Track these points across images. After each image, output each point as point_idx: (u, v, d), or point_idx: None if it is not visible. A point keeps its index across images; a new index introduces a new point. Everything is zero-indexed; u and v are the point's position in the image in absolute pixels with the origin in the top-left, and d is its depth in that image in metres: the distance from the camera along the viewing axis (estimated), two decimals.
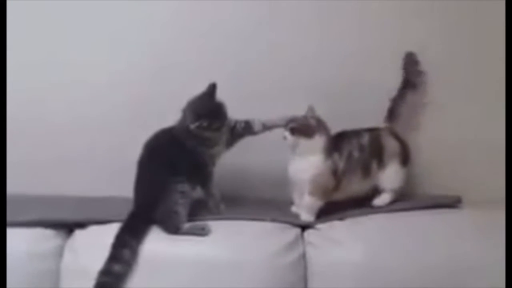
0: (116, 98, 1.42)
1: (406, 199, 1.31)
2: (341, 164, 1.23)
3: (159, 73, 1.42)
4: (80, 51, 1.41)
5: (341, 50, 1.40)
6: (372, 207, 1.28)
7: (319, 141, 1.23)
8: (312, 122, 1.23)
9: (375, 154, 1.27)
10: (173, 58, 1.41)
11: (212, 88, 1.20)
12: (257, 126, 1.28)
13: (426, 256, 1.14)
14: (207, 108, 1.19)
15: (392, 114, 1.34)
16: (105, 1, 1.39)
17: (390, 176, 1.28)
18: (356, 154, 1.25)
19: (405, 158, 1.30)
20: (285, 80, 1.41)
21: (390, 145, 1.28)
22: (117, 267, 1.10)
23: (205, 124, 1.18)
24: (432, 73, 1.38)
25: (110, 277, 1.09)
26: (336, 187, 1.24)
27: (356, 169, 1.25)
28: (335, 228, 1.20)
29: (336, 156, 1.23)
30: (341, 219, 1.23)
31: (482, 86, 1.40)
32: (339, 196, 1.25)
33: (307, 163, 1.23)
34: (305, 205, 1.25)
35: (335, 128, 1.27)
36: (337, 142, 1.25)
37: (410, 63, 1.36)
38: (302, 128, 1.23)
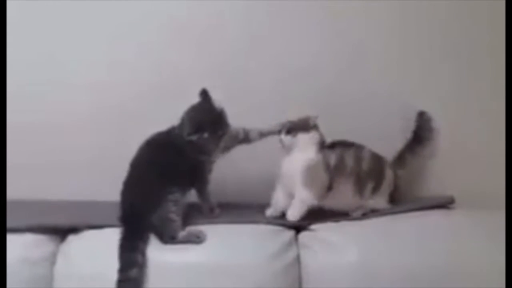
0: (110, 101, 1.42)
1: (399, 201, 1.32)
2: (332, 160, 1.23)
3: (158, 74, 1.41)
4: (79, 52, 1.40)
5: (341, 60, 1.41)
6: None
7: (315, 137, 1.24)
8: (308, 120, 1.24)
9: (374, 177, 1.26)
10: (173, 60, 1.41)
11: (205, 94, 1.18)
12: (253, 135, 1.29)
13: (421, 258, 1.13)
14: (206, 118, 1.17)
15: (400, 161, 1.36)
16: (106, 2, 1.38)
17: (376, 204, 1.28)
18: (350, 162, 1.24)
19: (393, 197, 1.31)
20: (284, 89, 1.42)
21: (390, 178, 1.29)
22: (133, 272, 1.08)
23: (205, 136, 1.16)
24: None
25: (129, 284, 1.08)
26: (329, 186, 1.22)
27: (349, 178, 1.24)
28: (329, 230, 1.20)
29: (327, 152, 1.23)
30: (336, 221, 1.23)
31: (481, 85, 1.42)
32: (331, 202, 1.24)
33: (301, 156, 1.23)
34: (297, 199, 1.23)
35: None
36: (330, 145, 1.26)
37: (423, 121, 1.37)
38: (299, 124, 1.24)
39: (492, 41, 1.36)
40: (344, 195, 1.24)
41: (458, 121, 1.40)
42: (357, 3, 1.39)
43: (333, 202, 1.24)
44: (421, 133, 1.37)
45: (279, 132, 1.27)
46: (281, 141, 1.25)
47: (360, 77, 1.41)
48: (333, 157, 1.23)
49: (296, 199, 1.23)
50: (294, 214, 1.23)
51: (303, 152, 1.23)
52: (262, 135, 1.29)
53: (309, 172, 1.22)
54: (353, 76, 1.41)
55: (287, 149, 1.25)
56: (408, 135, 1.38)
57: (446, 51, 1.41)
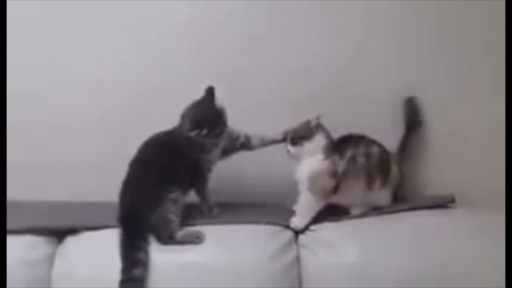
0: (111, 102, 1.42)
1: (400, 200, 1.31)
2: (340, 166, 1.21)
3: (158, 74, 1.41)
4: (79, 52, 1.41)
5: (341, 60, 1.41)
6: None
7: (320, 140, 1.22)
8: (310, 125, 1.23)
9: (382, 170, 1.25)
10: (173, 60, 1.41)
11: (211, 92, 1.18)
12: (255, 142, 1.29)
13: (421, 257, 1.14)
14: (206, 116, 1.17)
15: (402, 154, 1.36)
16: (106, 2, 1.39)
17: (378, 200, 1.27)
18: (361, 160, 1.22)
19: (396, 194, 1.29)
20: (284, 89, 1.42)
21: (395, 173, 1.28)
22: (137, 271, 1.08)
23: (204, 132, 1.16)
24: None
25: (133, 284, 1.07)
26: (336, 189, 1.21)
27: (360, 175, 1.22)
28: (328, 230, 1.20)
29: (336, 157, 1.21)
30: (335, 220, 1.23)
31: (481, 85, 1.41)
32: (338, 199, 1.23)
33: (307, 163, 1.22)
34: (302, 205, 1.23)
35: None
36: (339, 145, 1.24)
37: (411, 108, 1.38)
38: (301, 132, 1.23)
39: (492, 41, 1.36)
40: (354, 192, 1.23)
41: (458, 120, 1.40)
42: (357, 3, 1.39)
43: (342, 199, 1.24)
44: (412, 119, 1.38)
45: (282, 140, 1.27)
46: (288, 152, 1.25)
47: (360, 77, 1.41)
48: (341, 164, 1.21)
49: (299, 207, 1.23)
50: (297, 223, 1.22)
51: (309, 159, 1.22)
52: (265, 143, 1.29)
53: (314, 179, 1.20)
54: (353, 76, 1.41)
55: (295, 158, 1.24)
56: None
57: (446, 51, 1.40)
